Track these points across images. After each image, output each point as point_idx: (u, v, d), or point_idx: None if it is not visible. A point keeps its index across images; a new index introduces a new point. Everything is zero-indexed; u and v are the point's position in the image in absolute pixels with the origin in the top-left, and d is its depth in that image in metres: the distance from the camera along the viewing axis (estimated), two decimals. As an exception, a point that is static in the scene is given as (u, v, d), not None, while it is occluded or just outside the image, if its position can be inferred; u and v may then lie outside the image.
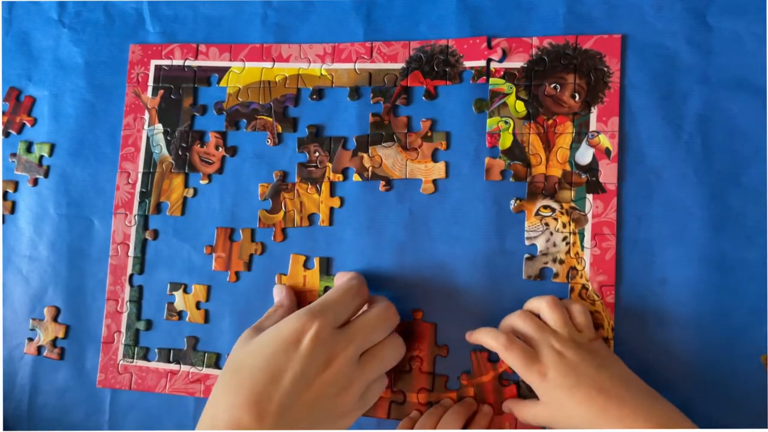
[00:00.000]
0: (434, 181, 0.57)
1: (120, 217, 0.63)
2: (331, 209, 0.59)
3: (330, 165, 0.60)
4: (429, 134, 0.58)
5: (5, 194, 0.67)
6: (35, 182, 0.66)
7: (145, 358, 0.61)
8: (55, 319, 0.63)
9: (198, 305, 0.61)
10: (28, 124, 0.67)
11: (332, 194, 0.59)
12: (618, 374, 0.46)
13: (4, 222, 0.66)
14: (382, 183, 0.58)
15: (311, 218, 0.60)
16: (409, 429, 0.53)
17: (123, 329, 0.62)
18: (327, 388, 0.43)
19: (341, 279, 0.53)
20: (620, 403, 0.44)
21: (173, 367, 0.60)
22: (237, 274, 0.60)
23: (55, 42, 0.68)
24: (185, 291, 0.61)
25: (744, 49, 0.53)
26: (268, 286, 0.59)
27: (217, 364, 0.60)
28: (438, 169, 0.57)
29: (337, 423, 0.44)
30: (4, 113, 0.68)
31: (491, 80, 0.57)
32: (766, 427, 0.49)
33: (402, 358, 0.50)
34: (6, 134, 0.68)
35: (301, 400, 0.42)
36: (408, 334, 0.56)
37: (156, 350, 0.61)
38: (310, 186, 0.60)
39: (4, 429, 0.62)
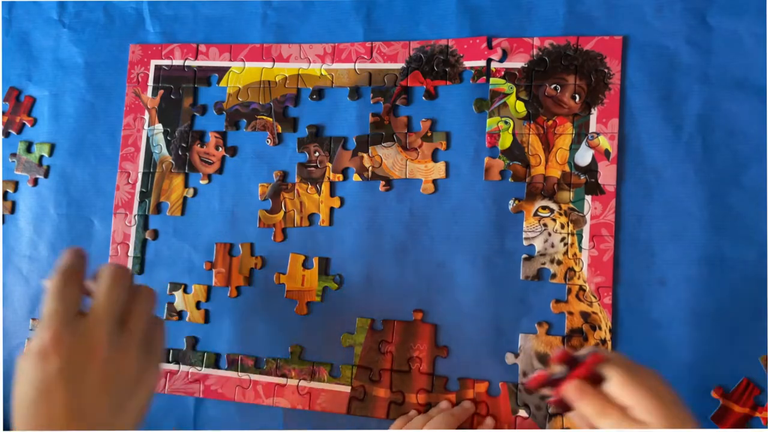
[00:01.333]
0: (434, 181, 0.57)
1: (120, 217, 0.63)
2: (331, 209, 0.59)
3: (330, 165, 0.60)
4: (429, 134, 0.58)
5: (5, 194, 0.67)
6: (35, 182, 0.66)
7: (144, 358, 0.61)
8: (55, 319, 0.63)
9: (198, 305, 0.61)
10: (28, 124, 0.67)
11: (332, 194, 0.59)
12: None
13: (4, 222, 0.66)
14: (382, 183, 0.58)
15: (311, 218, 0.60)
16: (400, 428, 0.53)
17: (123, 329, 0.62)
18: (107, 370, 0.40)
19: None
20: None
21: (172, 367, 0.60)
22: (237, 289, 0.60)
23: (55, 42, 0.68)
24: (185, 291, 0.61)
25: (744, 49, 0.53)
26: (268, 286, 0.60)
27: (216, 364, 0.60)
28: (438, 169, 0.57)
29: (137, 389, 0.42)
30: (4, 113, 0.68)
31: (492, 80, 0.57)
32: (765, 427, 0.49)
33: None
34: (6, 134, 0.68)
35: (89, 397, 0.40)
36: (408, 335, 0.56)
37: (155, 350, 0.61)
38: (310, 186, 0.60)
39: (4, 429, 0.62)
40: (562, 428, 0.52)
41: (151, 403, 0.44)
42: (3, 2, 0.70)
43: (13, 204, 0.67)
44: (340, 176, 0.59)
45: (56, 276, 0.42)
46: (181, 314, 0.61)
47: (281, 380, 0.58)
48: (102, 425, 0.40)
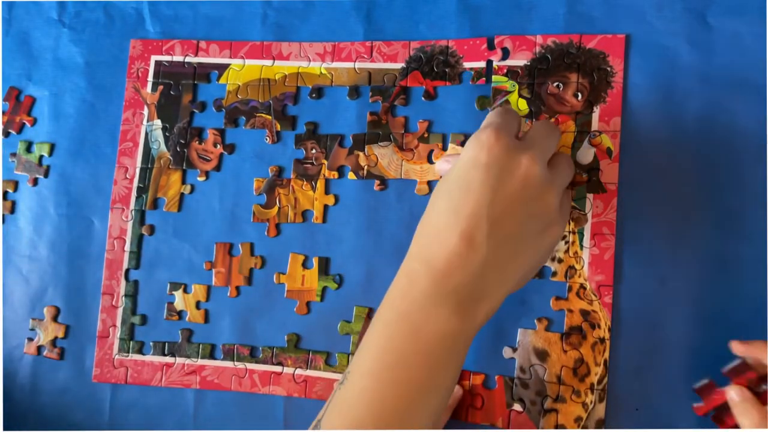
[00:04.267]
0: (429, 183, 0.57)
1: (117, 212, 0.63)
2: (325, 206, 0.59)
3: (326, 162, 0.60)
4: (426, 135, 0.58)
5: (5, 194, 0.67)
6: (35, 182, 0.66)
7: (140, 351, 0.61)
8: (54, 319, 0.63)
9: (198, 305, 0.61)
10: (28, 124, 0.67)
11: (327, 192, 0.59)
12: None
13: (4, 222, 0.66)
14: (377, 182, 0.58)
15: (305, 215, 0.60)
16: None
17: (118, 324, 0.62)
18: (525, 192, 0.41)
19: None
20: None
21: (168, 360, 0.60)
22: (237, 288, 0.60)
23: (55, 42, 0.68)
24: (185, 291, 0.61)
25: (744, 49, 0.53)
26: (268, 286, 0.59)
27: (212, 355, 0.60)
28: (433, 171, 0.57)
29: (543, 235, 0.43)
30: (4, 113, 0.68)
31: (494, 78, 0.57)
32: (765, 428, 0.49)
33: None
34: (6, 134, 0.68)
35: (502, 208, 0.40)
36: None
37: (151, 344, 0.61)
38: (305, 182, 0.60)
39: (4, 429, 0.62)
40: (557, 424, 0.52)
41: (543, 262, 0.48)
42: (3, 2, 0.70)
43: (13, 204, 0.66)
44: (335, 174, 0.59)
45: (502, 108, 0.45)
46: (181, 314, 0.61)
47: (277, 368, 0.58)
48: (504, 241, 0.41)
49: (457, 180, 0.42)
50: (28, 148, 0.67)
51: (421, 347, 0.40)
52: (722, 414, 0.48)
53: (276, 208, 0.60)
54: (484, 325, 0.50)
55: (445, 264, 0.40)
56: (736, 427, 0.46)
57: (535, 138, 0.43)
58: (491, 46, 0.58)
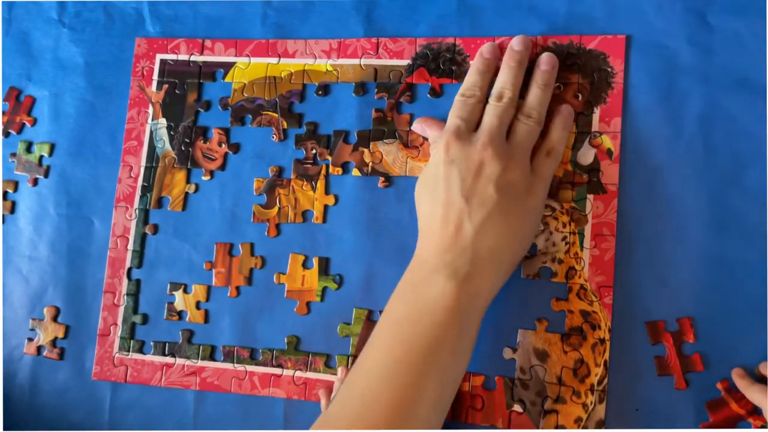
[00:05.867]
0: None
1: (121, 211, 0.63)
2: (325, 207, 0.59)
3: (330, 158, 0.60)
4: (431, 133, 0.58)
5: (5, 194, 0.67)
6: (35, 182, 0.66)
7: (140, 351, 0.61)
8: (54, 319, 0.63)
9: (198, 305, 0.61)
10: (28, 124, 0.67)
11: (327, 191, 0.59)
12: None
13: (4, 222, 0.66)
14: (381, 179, 0.58)
15: (305, 215, 0.60)
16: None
17: (119, 322, 0.62)
18: (488, 169, 0.48)
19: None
20: None
21: (168, 360, 0.60)
22: (237, 289, 0.60)
23: (55, 42, 0.68)
24: (185, 291, 0.61)
25: (745, 49, 0.53)
26: (268, 286, 0.59)
27: (212, 356, 0.60)
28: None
29: (525, 201, 0.49)
30: (4, 113, 0.68)
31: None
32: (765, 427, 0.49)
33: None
34: (6, 134, 0.68)
35: (471, 189, 0.47)
36: None
37: (151, 343, 0.61)
38: (305, 183, 0.60)
39: (4, 429, 0.62)
40: (557, 425, 0.52)
41: (537, 228, 0.53)
42: (3, 2, 0.70)
43: (13, 204, 0.66)
44: (340, 170, 0.59)
45: (462, 94, 0.52)
46: (181, 314, 0.61)
47: (277, 371, 0.58)
48: (496, 210, 0.47)
49: (430, 179, 0.50)
50: (28, 148, 0.67)
51: (422, 307, 0.47)
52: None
53: (276, 209, 0.60)
54: (484, 325, 0.50)
55: (439, 246, 0.48)
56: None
57: (484, 125, 0.50)
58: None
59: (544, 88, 0.52)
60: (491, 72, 0.54)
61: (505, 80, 0.52)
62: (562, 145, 0.53)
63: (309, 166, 0.60)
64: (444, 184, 0.48)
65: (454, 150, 0.48)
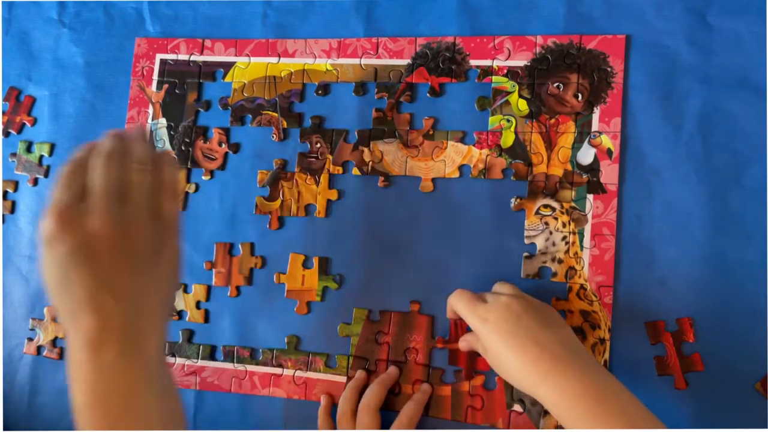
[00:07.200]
0: (433, 180, 0.57)
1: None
2: (328, 201, 0.59)
3: (330, 157, 0.60)
4: (431, 132, 0.58)
5: (5, 194, 0.67)
6: (35, 182, 0.66)
7: (141, 353, 0.61)
8: (55, 319, 0.63)
9: (198, 305, 0.61)
10: (28, 124, 0.67)
11: (330, 186, 0.59)
12: (561, 336, 0.46)
13: (4, 222, 0.66)
14: (381, 178, 0.58)
15: (308, 209, 0.60)
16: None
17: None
18: (117, 243, 0.41)
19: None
20: (554, 358, 0.44)
21: (168, 359, 0.60)
22: (238, 288, 0.60)
23: (55, 42, 0.68)
24: (185, 291, 0.61)
25: (744, 49, 0.53)
26: (268, 286, 0.60)
27: (212, 356, 0.60)
28: (437, 168, 0.57)
29: (157, 258, 0.43)
30: (4, 113, 0.68)
31: (494, 78, 0.57)
32: (766, 427, 0.49)
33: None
34: (6, 134, 0.68)
35: (108, 270, 0.40)
36: (405, 326, 0.56)
37: (152, 345, 0.61)
38: (309, 177, 0.60)
39: (4, 429, 0.62)
40: (557, 425, 0.52)
41: (179, 276, 0.45)
42: (3, 2, 0.70)
43: (13, 204, 0.66)
44: (340, 169, 0.59)
45: (66, 165, 0.43)
46: (181, 314, 0.61)
47: (277, 370, 0.58)
48: (131, 293, 0.41)
49: (56, 273, 0.41)
50: (28, 148, 0.67)
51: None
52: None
53: (279, 201, 0.60)
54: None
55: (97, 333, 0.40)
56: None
57: (94, 182, 0.42)
58: (498, 45, 0.58)
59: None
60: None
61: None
62: None
63: (313, 160, 0.60)
64: (74, 276, 0.40)
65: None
